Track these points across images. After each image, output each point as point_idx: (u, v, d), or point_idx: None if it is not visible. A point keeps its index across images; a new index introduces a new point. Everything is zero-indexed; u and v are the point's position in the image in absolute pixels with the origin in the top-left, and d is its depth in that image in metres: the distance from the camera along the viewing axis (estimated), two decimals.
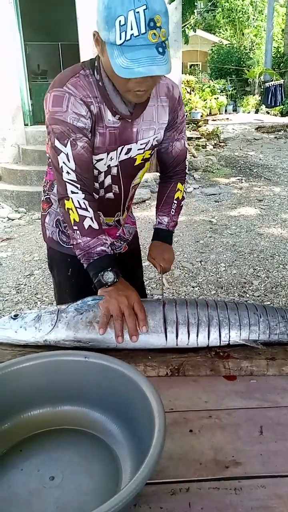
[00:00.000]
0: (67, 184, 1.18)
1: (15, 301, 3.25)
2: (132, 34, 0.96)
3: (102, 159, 1.25)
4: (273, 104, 14.09)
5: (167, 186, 1.50)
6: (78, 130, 1.14)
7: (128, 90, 1.09)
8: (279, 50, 16.01)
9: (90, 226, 1.18)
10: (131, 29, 0.95)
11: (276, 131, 10.90)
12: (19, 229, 4.81)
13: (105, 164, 1.26)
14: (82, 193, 1.18)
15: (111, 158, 1.26)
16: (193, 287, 3.40)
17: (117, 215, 1.46)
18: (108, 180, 1.31)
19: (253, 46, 18.91)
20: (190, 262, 3.84)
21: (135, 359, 1.08)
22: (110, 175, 1.30)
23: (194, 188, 6.21)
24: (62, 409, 0.90)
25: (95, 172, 1.27)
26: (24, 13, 6.04)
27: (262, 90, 14.75)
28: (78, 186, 1.17)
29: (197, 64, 19.53)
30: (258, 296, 3.25)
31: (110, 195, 1.36)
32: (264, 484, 0.77)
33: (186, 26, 8.16)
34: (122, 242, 1.55)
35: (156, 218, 1.51)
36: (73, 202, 1.17)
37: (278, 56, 15.71)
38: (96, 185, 1.31)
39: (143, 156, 1.33)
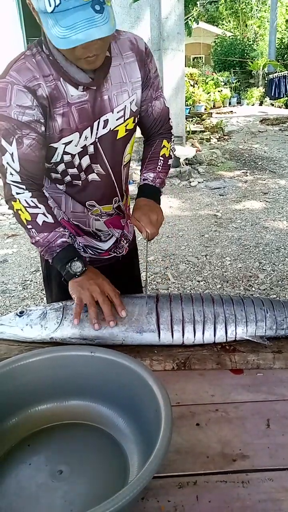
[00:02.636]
0: (11, 186, 1.14)
1: (21, 297, 3.27)
2: None
3: (71, 141, 1.16)
4: (277, 96, 13.96)
5: (151, 145, 1.37)
6: (24, 125, 1.08)
7: (77, 58, 1.00)
8: (283, 41, 15.88)
9: (44, 221, 1.15)
10: None
11: (281, 123, 10.81)
12: None
13: (76, 146, 1.17)
14: (29, 192, 1.15)
15: (85, 137, 1.17)
16: (199, 281, 3.39)
17: (116, 201, 1.36)
18: (86, 161, 1.22)
19: (256, 38, 18.76)
20: (195, 256, 3.83)
21: (141, 354, 1.08)
22: (87, 155, 1.21)
23: (199, 182, 6.18)
24: (69, 403, 0.91)
25: (67, 157, 1.19)
26: (26, 8, 6.01)
27: (266, 82, 14.62)
28: (23, 186, 1.15)
29: (200, 57, 19.41)
30: (264, 290, 3.24)
31: (93, 176, 1.26)
32: (272, 477, 0.78)
33: (189, 18, 8.10)
34: (125, 241, 1.48)
35: (140, 177, 1.35)
36: (20, 202, 1.15)
37: (282, 47, 15.59)
38: (74, 170, 1.23)
39: (126, 127, 1.23)
